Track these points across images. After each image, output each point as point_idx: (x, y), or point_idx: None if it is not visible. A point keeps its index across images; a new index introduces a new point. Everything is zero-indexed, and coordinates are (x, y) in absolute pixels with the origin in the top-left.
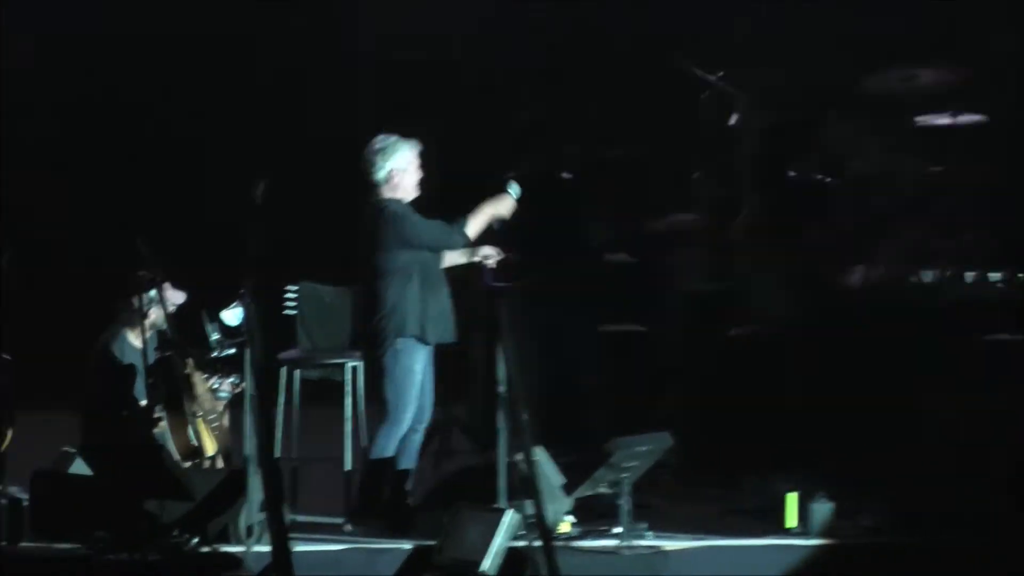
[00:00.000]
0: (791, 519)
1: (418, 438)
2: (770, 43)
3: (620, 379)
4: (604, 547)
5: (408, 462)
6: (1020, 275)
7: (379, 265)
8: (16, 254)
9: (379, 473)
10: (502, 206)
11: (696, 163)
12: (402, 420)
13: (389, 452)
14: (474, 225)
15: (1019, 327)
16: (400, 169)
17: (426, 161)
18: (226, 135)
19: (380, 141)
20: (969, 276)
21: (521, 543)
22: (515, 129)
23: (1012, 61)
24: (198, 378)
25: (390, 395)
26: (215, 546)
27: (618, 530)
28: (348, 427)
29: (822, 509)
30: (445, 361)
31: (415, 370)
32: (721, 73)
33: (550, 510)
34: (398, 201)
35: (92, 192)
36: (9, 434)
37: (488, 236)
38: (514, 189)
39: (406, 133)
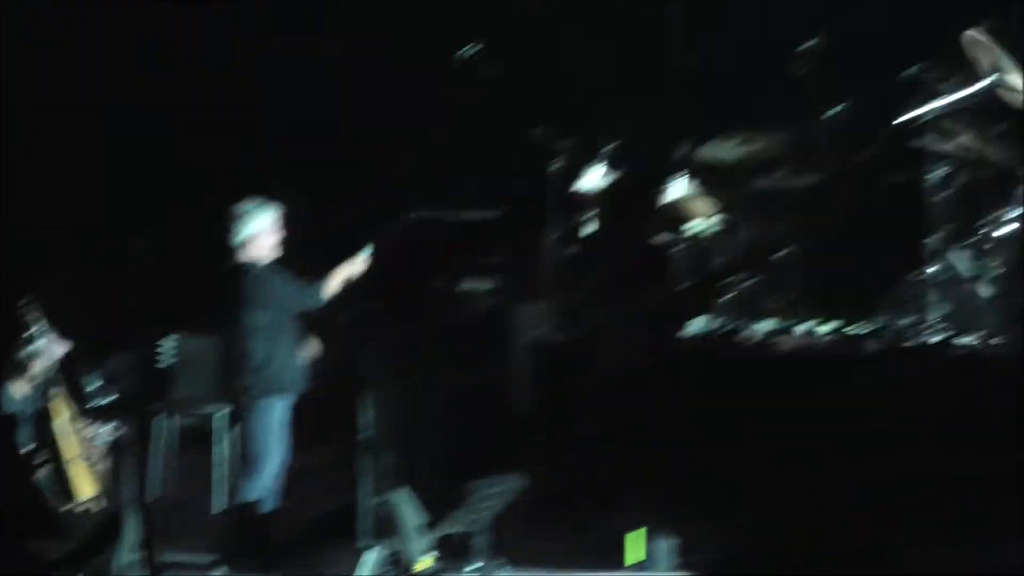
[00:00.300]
0: (635, 554)
1: (279, 482)
2: (617, 109)
3: (476, 424)
4: None
5: (272, 505)
6: (847, 329)
7: (244, 324)
8: None
9: (246, 516)
10: (356, 266)
11: (547, 224)
12: (266, 469)
13: (254, 497)
14: (330, 286)
15: (847, 380)
16: (258, 233)
17: (289, 222)
18: (106, 193)
19: (240, 206)
20: (799, 329)
21: None
22: (375, 190)
23: (845, 124)
24: (77, 425)
25: (254, 448)
26: None
27: (476, 566)
28: (217, 472)
29: (665, 544)
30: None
31: (276, 424)
32: (570, 140)
33: (411, 548)
34: (255, 263)
35: None
36: None
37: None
38: (367, 250)
39: (272, 195)
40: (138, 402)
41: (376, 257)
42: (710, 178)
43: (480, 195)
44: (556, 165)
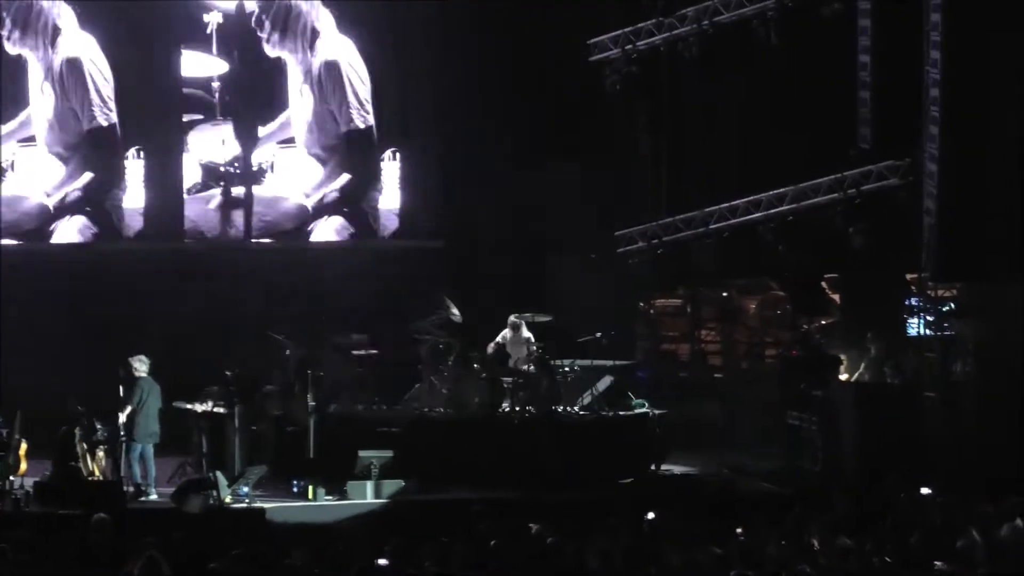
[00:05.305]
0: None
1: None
2: None
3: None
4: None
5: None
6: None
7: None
8: None
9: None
10: None
11: None
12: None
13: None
14: None
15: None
16: None
17: None
18: None
19: None
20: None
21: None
22: None
23: None
24: (91, 449)
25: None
26: None
27: (247, 501)
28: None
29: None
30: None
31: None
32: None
33: (224, 491)
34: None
35: None
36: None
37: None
38: None
39: None
40: (115, 439)
41: None
42: None
43: None
44: None
